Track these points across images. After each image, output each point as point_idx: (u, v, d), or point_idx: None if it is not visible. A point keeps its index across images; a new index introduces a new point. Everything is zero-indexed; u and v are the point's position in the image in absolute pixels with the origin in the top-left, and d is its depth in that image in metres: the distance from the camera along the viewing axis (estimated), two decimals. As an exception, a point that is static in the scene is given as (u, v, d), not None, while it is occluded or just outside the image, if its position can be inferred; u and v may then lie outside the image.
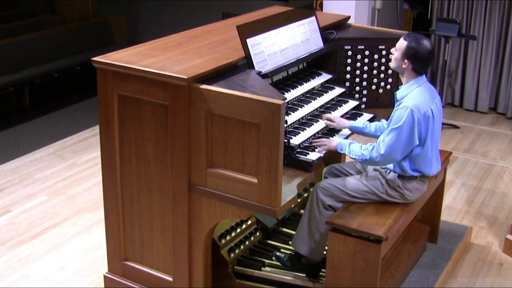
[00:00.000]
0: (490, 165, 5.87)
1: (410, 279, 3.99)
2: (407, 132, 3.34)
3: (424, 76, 3.50)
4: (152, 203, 3.42)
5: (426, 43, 3.41)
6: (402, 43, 3.44)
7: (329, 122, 3.72)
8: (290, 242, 3.77)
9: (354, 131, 3.78)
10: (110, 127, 3.40)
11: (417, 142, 3.40)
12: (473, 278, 4.12)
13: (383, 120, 3.79)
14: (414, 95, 3.40)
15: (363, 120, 3.85)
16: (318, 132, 3.64)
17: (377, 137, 3.74)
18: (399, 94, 3.50)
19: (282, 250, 3.90)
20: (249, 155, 2.97)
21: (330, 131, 3.73)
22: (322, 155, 3.41)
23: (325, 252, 3.67)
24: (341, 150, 3.49)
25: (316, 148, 3.46)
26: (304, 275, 3.67)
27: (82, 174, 5.53)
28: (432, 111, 3.41)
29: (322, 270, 3.68)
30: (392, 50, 3.54)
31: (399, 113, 3.35)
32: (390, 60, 3.82)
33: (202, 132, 3.06)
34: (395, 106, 3.46)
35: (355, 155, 3.44)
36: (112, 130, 3.40)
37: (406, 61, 3.42)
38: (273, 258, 3.77)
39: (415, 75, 3.46)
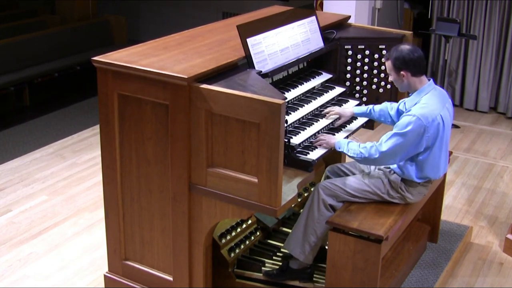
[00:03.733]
0: (490, 165, 5.87)
1: (410, 279, 3.99)
2: (411, 139, 3.33)
3: (432, 82, 3.49)
4: (152, 203, 3.42)
5: (404, 46, 3.45)
6: (388, 64, 3.49)
7: (334, 116, 3.76)
8: (283, 244, 3.74)
9: (358, 116, 3.85)
10: (110, 127, 3.40)
11: (421, 149, 3.39)
12: (473, 278, 4.12)
13: (387, 104, 3.79)
14: (423, 104, 3.38)
15: (367, 105, 3.91)
16: (318, 132, 3.64)
17: (381, 122, 3.79)
18: (408, 103, 3.50)
19: (278, 254, 3.87)
20: (249, 155, 2.97)
21: (330, 130, 3.74)
22: (324, 151, 3.43)
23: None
24: (339, 148, 3.49)
25: (317, 147, 3.47)
26: (298, 282, 3.63)
27: (82, 173, 5.53)
28: (442, 117, 3.40)
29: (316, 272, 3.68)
30: (389, 78, 3.56)
31: (406, 120, 3.34)
32: (391, 81, 3.83)
33: (202, 132, 3.06)
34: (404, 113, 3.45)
35: (353, 153, 3.44)
36: (112, 129, 3.39)
37: (402, 72, 3.43)
38: (263, 275, 3.68)
39: (419, 80, 3.45)
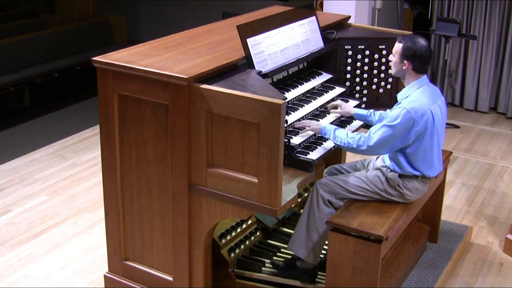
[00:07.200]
0: (490, 165, 5.87)
1: (410, 279, 3.99)
2: (399, 132, 3.36)
3: (425, 77, 3.51)
4: (152, 203, 3.42)
5: (421, 41, 3.44)
6: (398, 46, 3.48)
7: (335, 110, 3.78)
8: (287, 246, 3.74)
9: (358, 118, 3.83)
10: (110, 127, 3.40)
11: (409, 142, 3.41)
12: (473, 278, 4.12)
13: (388, 110, 3.79)
14: (414, 97, 3.42)
15: (368, 108, 3.90)
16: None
17: None
18: (399, 96, 3.52)
19: (278, 254, 3.87)
20: (249, 155, 2.97)
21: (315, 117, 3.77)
22: (324, 151, 3.43)
23: (321, 256, 3.66)
24: (325, 135, 3.49)
25: (300, 132, 3.46)
26: (299, 282, 3.62)
27: (82, 174, 5.53)
28: (432, 112, 3.42)
29: (319, 273, 3.67)
30: (390, 57, 3.57)
31: (396, 112, 3.38)
32: (390, 60, 3.83)
33: (202, 132, 3.06)
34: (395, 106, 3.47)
35: (340, 142, 3.44)
36: (112, 130, 3.40)
37: (405, 62, 3.44)
38: (270, 264, 3.71)
39: (416, 75, 3.47)
